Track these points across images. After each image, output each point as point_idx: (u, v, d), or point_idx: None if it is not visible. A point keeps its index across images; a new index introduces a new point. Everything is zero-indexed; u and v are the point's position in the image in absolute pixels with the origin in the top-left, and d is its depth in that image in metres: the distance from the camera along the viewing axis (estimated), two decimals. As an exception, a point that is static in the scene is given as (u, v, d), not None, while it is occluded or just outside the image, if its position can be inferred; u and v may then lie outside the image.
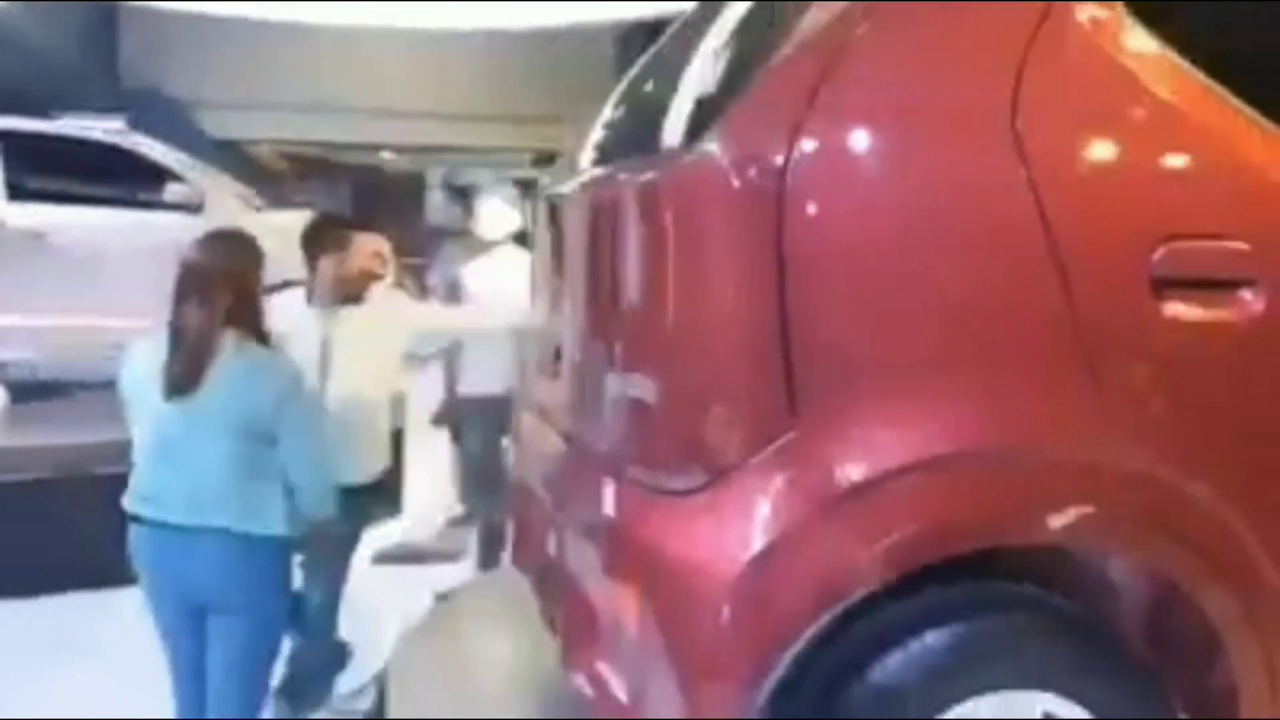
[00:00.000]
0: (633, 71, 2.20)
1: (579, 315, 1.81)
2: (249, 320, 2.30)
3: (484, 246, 4.35)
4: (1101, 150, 1.50)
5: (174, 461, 2.26)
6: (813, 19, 1.51)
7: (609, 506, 1.61)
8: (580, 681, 1.76)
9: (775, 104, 1.45)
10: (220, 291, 2.27)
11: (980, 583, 1.50)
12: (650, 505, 1.52)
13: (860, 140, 1.47)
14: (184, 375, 2.23)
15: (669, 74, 1.88)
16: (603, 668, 1.70)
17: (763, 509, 1.43)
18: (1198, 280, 1.48)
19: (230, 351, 2.25)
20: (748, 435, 1.45)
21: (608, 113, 2.13)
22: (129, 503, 2.33)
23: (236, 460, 2.23)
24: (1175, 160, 1.52)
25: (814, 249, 1.43)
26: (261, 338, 2.33)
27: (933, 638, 1.44)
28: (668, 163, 1.53)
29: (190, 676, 2.36)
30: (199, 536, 2.24)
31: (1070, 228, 1.45)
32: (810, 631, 1.40)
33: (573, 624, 1.80)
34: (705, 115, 1.54)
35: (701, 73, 1.66)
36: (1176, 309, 1.47)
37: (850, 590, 1.40)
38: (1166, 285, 1.47)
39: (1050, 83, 1.48)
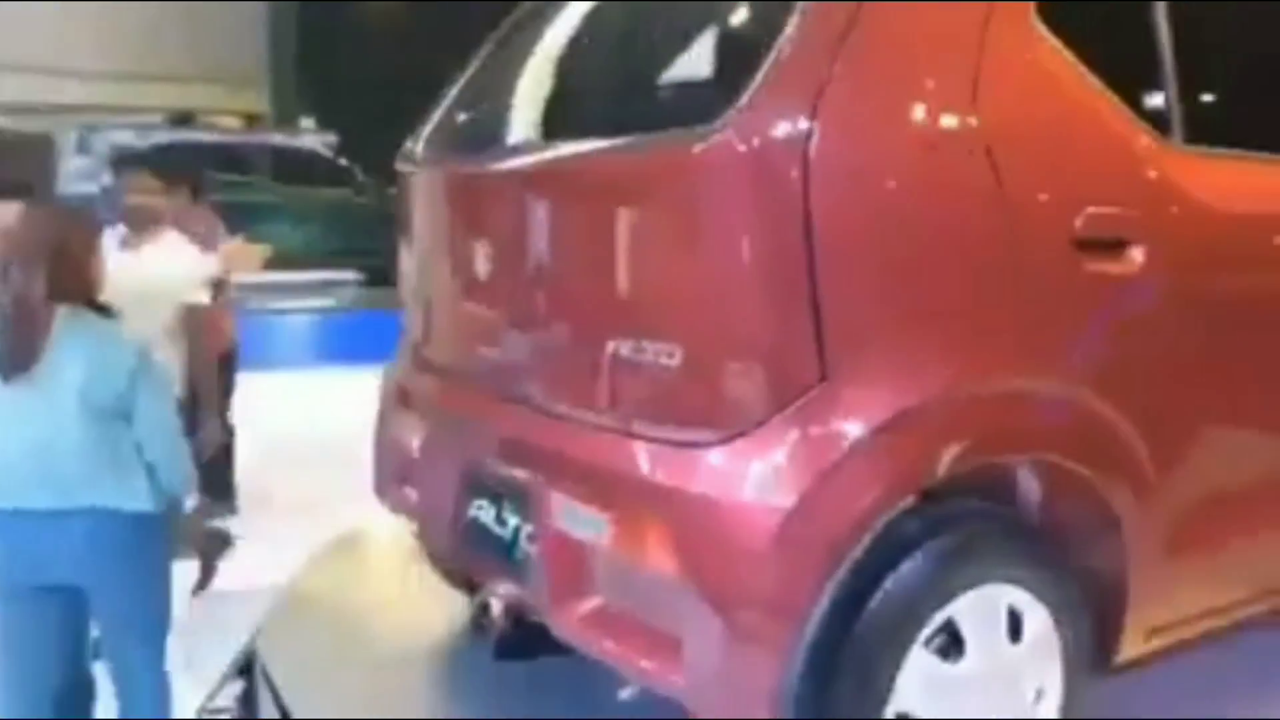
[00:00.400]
0: (537, 55, 2.27)
1: (579, 287, 1.87)
2: (78, 292, 2.19)
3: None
4: (1038, 137, 1.81)
5: (25, 445, 2.12)
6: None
7: (651, 463, 1.72)
8: (578, 628, 1.88)
9: (797, 83, 1.62)
10: (39, 263, 2.15)
11: (948, 502, 1.77)
12: (690, 456, 1.67)
13: (867, 117, 1.67)
14: (17, 353, 2.11)
15: (614, 56, 2.00)
16: (612, 613, 1.83)
17: (803, 451, 1.61)
18: (1104, 241, 1.83)
19: (64, 326, 2.13)
20: (786, 387, 1.63)
21: (534, 93, 2.19)
22: None
23: (95, 437, 2.13)
24: (1086, 142, 1.86)
25: (834, 219, 1.63)
26: (100, 309, 2.22)
27: (928, 549, 1.70)
28: (703, 140, 1.64)
29: (34, 671, 2.24)
30: (67, 519, 2.13)
31: (1021, 204, 1.75)
32: (853, 554, 1.62)
33: (562, 577, 1.90)
34: (720, 95, 1.68)
35: (696, 55, 1.80)
36: (1091, 265, 1.82)
37: (883, 513, 1.63)
38: (1083, 246, 1.81)
39: (998, 77, 1.76)
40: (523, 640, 2.54)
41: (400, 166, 2.51)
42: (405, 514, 2.64)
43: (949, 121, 1.72)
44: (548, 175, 1.99)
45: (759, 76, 1.64)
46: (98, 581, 2.19)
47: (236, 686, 3.02)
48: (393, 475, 2.61)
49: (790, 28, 1.67)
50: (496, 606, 2.58)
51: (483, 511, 2.23)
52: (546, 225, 1.96)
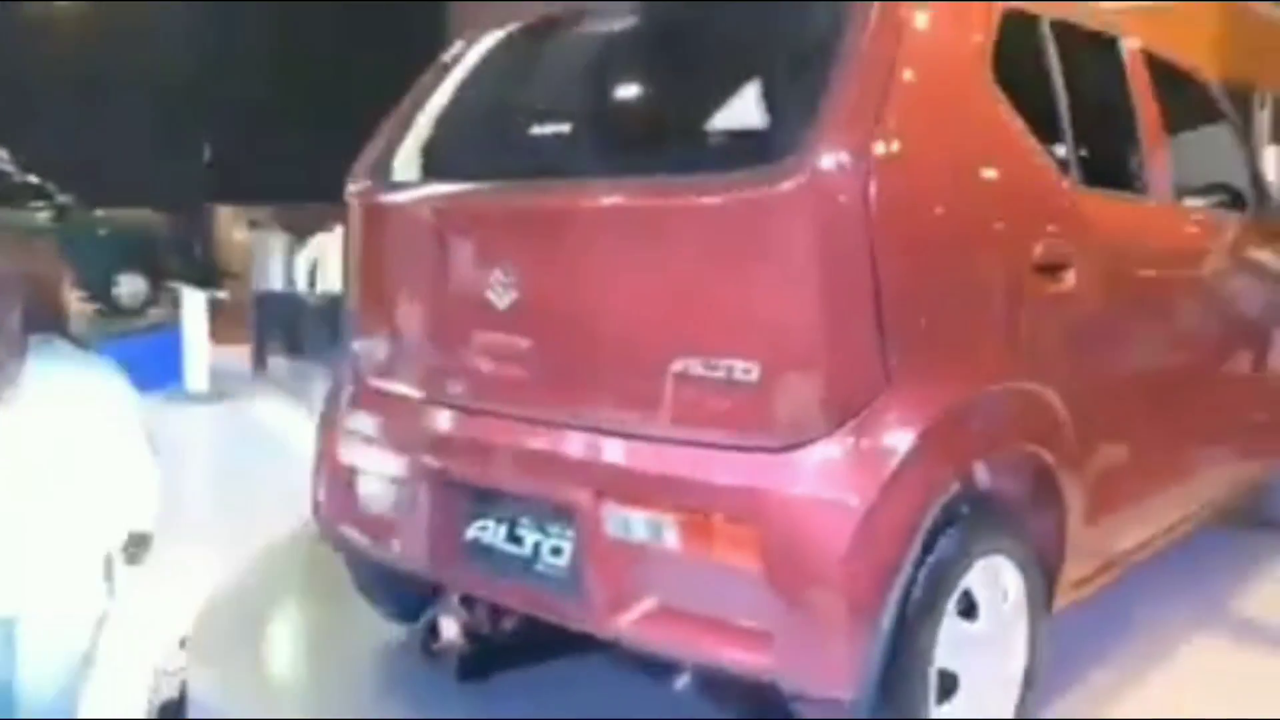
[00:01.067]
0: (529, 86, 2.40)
1: (641, 313, 2.01)
2: (51, 322, 2.17)
3: None
4: (1010, 179, 2.18)
5: None
6: (856, 37, 1.96)
7: (711, 468, 1.92)
8: (636, 628, 2.04)
9: (855, 128, 1.88)
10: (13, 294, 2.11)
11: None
12: (771, 461, 1.89)
13: (911, 162, 1.96)
14: None
15: (626, 87, 2.20)
16: (672, 610, 2.01)
17: (873, 454, 1.88)
18: (1052, 265, 2.23)
19: (38, 355, 2.10)
20: (836, 411, 1.88)
21: (537, 123, 2.32)
22: None
23: None
24: (1035, 185, 2.25)
25: (892, 252, 1.91)
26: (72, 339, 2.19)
27: (956, 531, 2.00)
28: (782, 181, 1.85)
29: None
30: None
31: (1009, 237, 2.12)
32: (917, 541, 1.90)
33: (613, 581, 2.05)
34: (777, 133, 1.92)
35: (743, 94, 2.02)
36: (1047, 285, 2.21)
37: (937, 504, 1.92)
38: (1039, 270, 2.20)
39: (982, 130, 2.12)
40: (482, 659, 2.67)
41: (362, 193, 2.54)
42: (351, 546, 2.67)
43: (967, 166, 2.06)
44: (610, 208, 2.11)
45: (820, 123, 1.89)
46: None
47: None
48: (339, 510, 2.63)
49: (836, 73, 1.94)
50: (451, 630, 2.69)
51: (486, 532, 2.33)
52: (608, 255, 2.08)
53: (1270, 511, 3.76)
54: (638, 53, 2.39)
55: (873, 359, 1.89)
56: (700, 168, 2.04)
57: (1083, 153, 2.45)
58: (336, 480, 2.63)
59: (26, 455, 2.07)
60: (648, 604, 2.05)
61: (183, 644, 3.10)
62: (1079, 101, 2.45)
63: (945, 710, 2.01)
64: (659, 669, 2.21)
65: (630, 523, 2.02)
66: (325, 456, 2.64)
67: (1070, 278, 2.26)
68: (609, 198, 2.10)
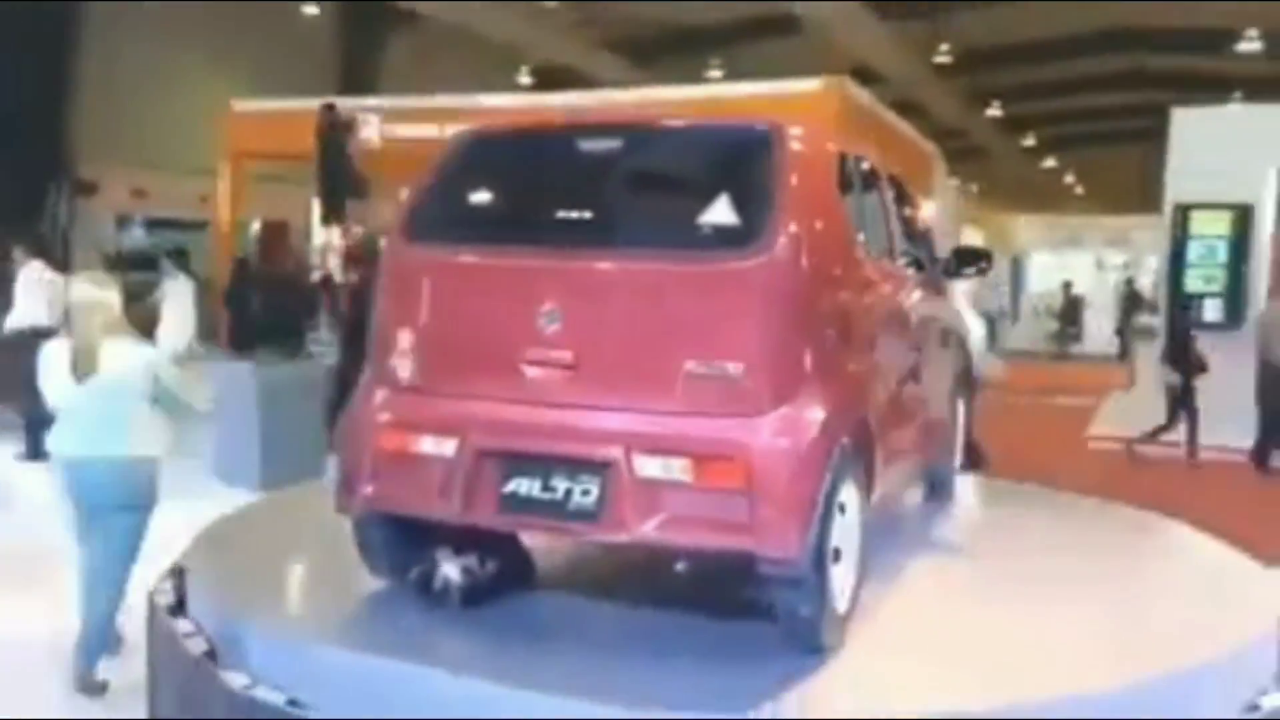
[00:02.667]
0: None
1: (663, 331, 3.21)
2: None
3: None
4: (844, 248, 3.61)
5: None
6: (780, 158, 3.30)
7: (712, 429, 3.16)
8: (655, 533, 3.21)
9: (790, 222, 3.21)
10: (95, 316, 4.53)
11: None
12: (748, 424, 3.14)
13: (815, 243, 3.31)
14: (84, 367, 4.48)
15: (626, 182, 3.48)
16: (677, 519, 3.19)
17: (803, 421, 3.20)
18: (863, 305, 3.69)
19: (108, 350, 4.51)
20: (784, 394, 3.18)
21: (563, 201, 3.54)
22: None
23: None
24: (853, 253, 3.70)
25: (811, 301, 3.25)
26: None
27: (840, 464, 3.34)
28: (755, 258, 3.15)
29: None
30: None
31: (852, 284, 3.54)
32: (830, 463, 3.22)
33: (638, 506, 3.20)
34: (739, 224, 3.22)
35: (704, 190, 3.31)
36: (864, 315, 3.66)
37: (837, 445, 3.26)
38: (861, 307, 3.64)
39: (837, 213, 3.54)
40: (476, 590, 3.71)
41: (403, 243, 3.61)
42: (372, 508, 3.62)
43: (831, 240, 3.46)
44: (638, 269, 3.31)
45: (770, 219, 3.21)
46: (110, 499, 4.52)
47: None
48: (363, 476, 3.57)
49: (767, 185, 3.27)
50: (454, 571, 3.71)
51: (522, 486, 3.40)
52: (637, 301, 3.27)
53: (939, 480, 5.48)
54: (628, 164, 3.60)
55: (803, 364, 3.23)
56: (686, 246, 3.30)
57: (864, 232, 3.94)
58: (364, 455, 3.56)
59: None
60: (662, 516, 3.23)
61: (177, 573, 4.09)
62: (858, 202, 3.95)
63: (836, 569, 3.36)
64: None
65: (655, 465, 3.20)
66: (367, 442, 3.57)
67: (871, 312, 3.74)
68: (637, 263, 3.31)
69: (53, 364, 4.56)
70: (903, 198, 4.75)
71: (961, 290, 7.90)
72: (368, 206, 15.94)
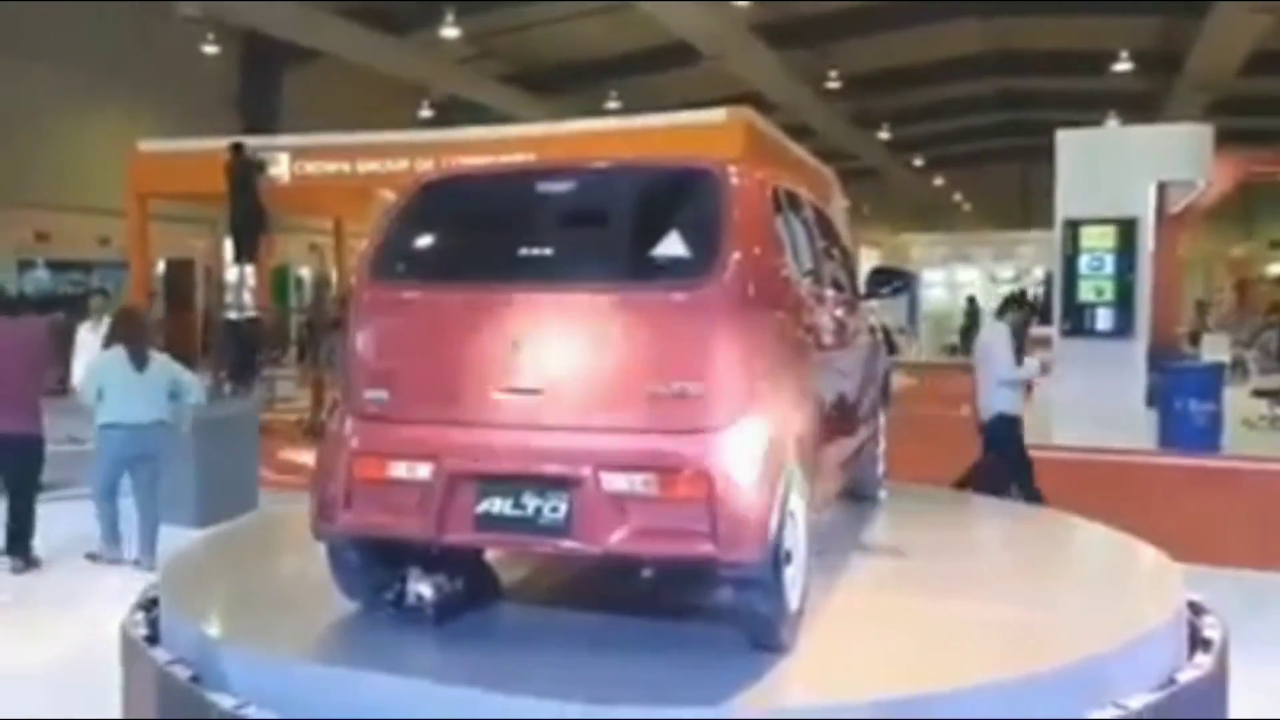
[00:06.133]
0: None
1: (629, 358, 3.47)
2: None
3: None
4: (786, 278, 3.94)
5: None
6: (723, 193, 3.62)
7: (675, 445, 3.43)
8: (621, 544, 3.46)
9: (736, 253, 3.51)
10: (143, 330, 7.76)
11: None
12: (705, 439, 3.41)
13: (758, 272, 3.63)
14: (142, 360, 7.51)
15: (584, 219, 3.74)
16: (641, 530, 3.45)
17: (758, 433, 3.49)
18: (806, 327, 4.02)
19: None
20: (738, 410, 3.47)
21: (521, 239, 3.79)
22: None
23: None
24: (790, 279, 4.03)
25: (758, 324, 3.56)
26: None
27: (791, 474, 3.65)
28: (705, 288, 3.44)
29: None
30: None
31: (791, 308, 3.87)
32: (784, 476, 3.52)
33: (605, 519, 3.45)
34: (689, 256, 3.51)
35: (654, 226, 3.61)
36: (804, 339, 3.99)
37: (788, 456, 3.56)
38: (802, 330, 3.97)
39: (778, 243, 3.87)
40: (448, 606, 3.93)
41: (373, 283, 3.83)
42: (351, 533, 3.82)
43: (771, 269, 3.78)
44: (600, 300, 3.56)
45: (717, 249, 3.51)
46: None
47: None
48: (339, 503, 3.77)
49: (713, 220, 3.58)
50: (426, 589, 3.92)
51: (495, 505, 3.63)
52: (602, 328, 3.52)
53: (863, 487, 5.86)
54: (583, 202, 3.88)
55: (754, 381, 3.53)
56: (641, 278, 3.59)
57: (795, 258, 4.27)
58: (338, 479, 3.76)
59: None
60: (628, 528, 3.49)
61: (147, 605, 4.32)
62: (789, 230, 4.29)
63: (788, 570, 3.66)
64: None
65: (621, 480, 3.46)
66: (343, 470, 3.77)
67: (808, 332, 4.07)
68: (598, 295, 3.59)
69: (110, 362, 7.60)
70: (822, 222, 5.10)
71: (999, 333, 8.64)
72: (273, 242, 15.97)
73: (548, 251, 3.83)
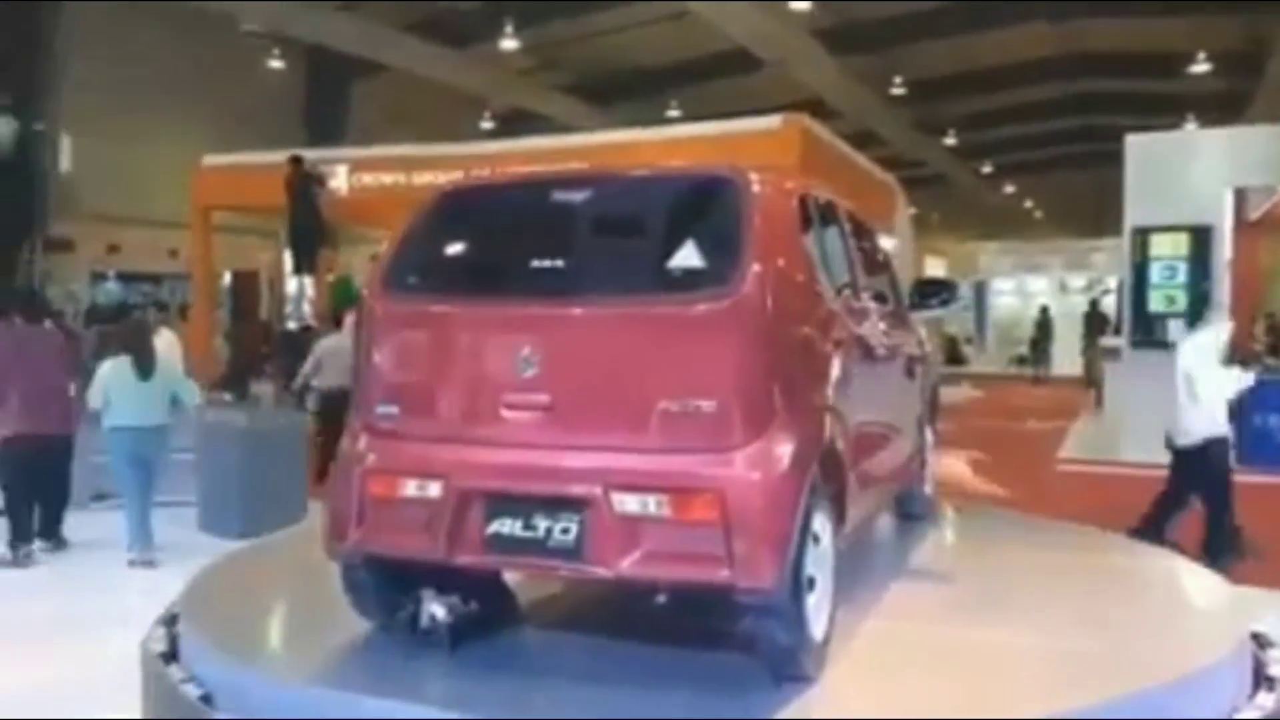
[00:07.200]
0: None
1: (639, 373, 3.32)
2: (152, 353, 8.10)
3: None
4: (811, 288, 3.76)
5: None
6: (743, 202, 3.45)
7: (689, 465, 3.27)
8: (634, 568, 3.31)
9: (757, 266, 3.35)
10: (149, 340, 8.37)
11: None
12: (721, 458, 3.26)
13: (780, 284, 3.45)
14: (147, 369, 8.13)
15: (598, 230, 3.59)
16: (654, 554, 3.30)
17: (776, 454, 3.32)
18: (834, 340, 3.83)
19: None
20: (756, 428, 3.31)
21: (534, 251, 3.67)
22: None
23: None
24: (818, 290, 3.85)
25: (779, 339, 3.39)
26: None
27: (815, 496, 3.47)
28: (725, 299, 3.28)
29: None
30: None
31: (817, 321, 3.69)
32: (803, 494, 3.35)
33: (617, 541, 3.30)
34: (707, 267, 3.35)
35: (671, 236, 3.46)
36: (832, 351, 3.81)
37: (808, 476, 3.39)
38: (830, 343, 3.79)
39: (801, 256, 3.69)
40: (462, 629, 3.81)
41: (385, 295, 3.72)
42: (361, 552, 3.71)
43: (795, 280, 3.60)
44: (615, 314, 3.42)
45: (736, 260, 3.34)
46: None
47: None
48: (351, 520, 3.67)
49: (732, 230, 3.41)
50: (440, 612, 3.80)
51: (505, 526, 3.50)
52: (615, 342, 3.38)
53: (908, 507, 5.64)
54: (599, 212, 3.75)
55: (773, 399, 3.36)
56: (657, 290, 3.43)
57: (826, 270, 4.09)
58: (350, 499, 3.66)
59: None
60: (640, 551, 3.34)
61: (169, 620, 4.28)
62: (819, 240, 4.11)
63: (811, 597, 3.47)
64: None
65: (633, 502, 3.31)
66: (354, 487, 3.67)
67: (836, 347, 3.88)
68: (611, 309, 3.44)
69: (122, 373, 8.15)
70: (861, 232, 4.91)
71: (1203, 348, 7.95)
72: (336, 254, 16.10)
73: (560, 262, 3.70)
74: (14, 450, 8.18)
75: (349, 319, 12.33)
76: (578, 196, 3.78)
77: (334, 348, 10.81)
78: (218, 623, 4.20)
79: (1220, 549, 7.40)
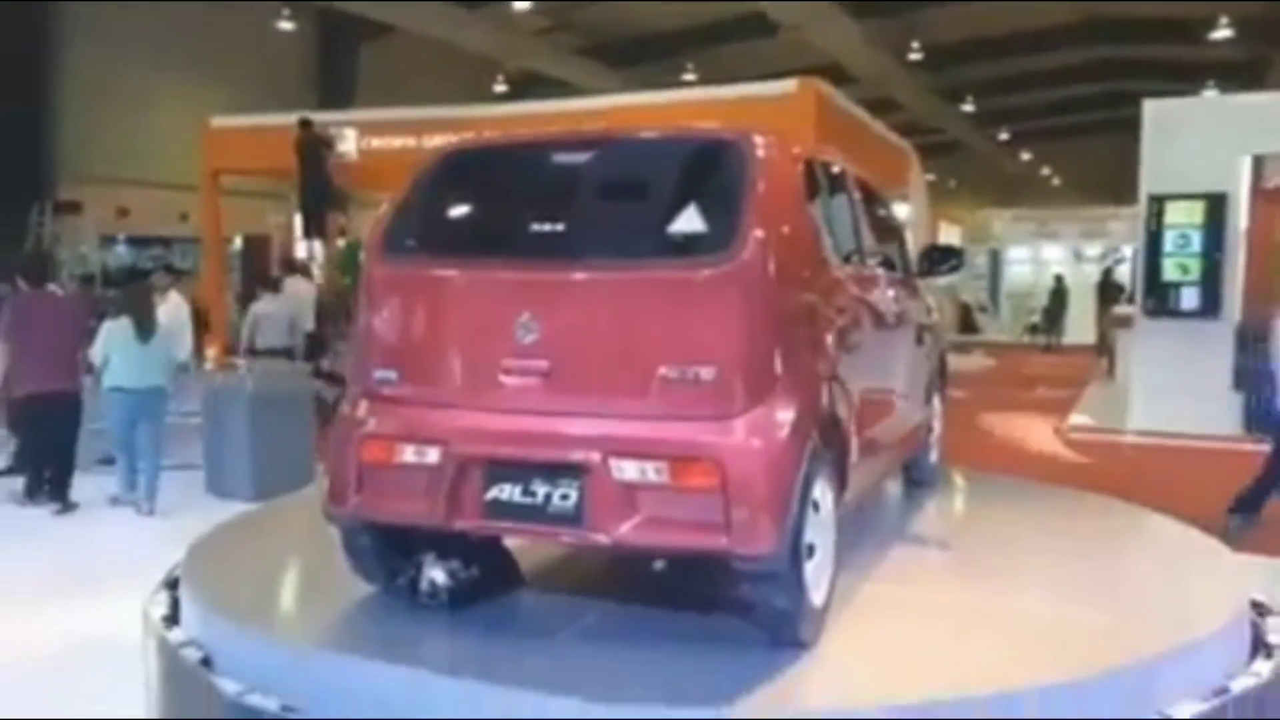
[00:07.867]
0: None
1: (641, 338, 3.28)
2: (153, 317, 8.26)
3: None
4: (816, 253, 3.71)
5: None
6: (747, 165, 3.40)
7: (687, 432, 3.25)
8: (632, 534, 3.29)
9: (758, 230, 3.30)
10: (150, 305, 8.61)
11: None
12: (720, 426, 3.23)
13: (783, 248, 3.41)
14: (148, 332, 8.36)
15: (602, 192, 3.57)
16: (652, 520, 3.28)
17: (776, 421, 3.29)
18: (836, 306, 3.79)
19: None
20: (756, 395, 3.27)
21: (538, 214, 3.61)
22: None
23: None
24: (822, 255, 3.80)
25: (780, 306, 3.35)
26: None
27: (814, 462, 3.44)
28: (726, 264, 3.23)
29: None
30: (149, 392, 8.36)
31: (820, 292, 3.64)
32: (803, 461, 3.32)
33: (615, 508, 3.29)
34: (708, 232, 3.31)
35: (673, 200, 3.42)
36: (834, 317, 3.76)
37: (808, 443, 3.36)
38: (832, 309, 3.74)
39: (807, 221, 3.64)
40: (463, 593, 3.80)
41: (385, 257, 3.69)
42: (359, 517, 3.71)
43: (799, 245, 3.55)
44: (614, 278, 3.37)
45: (737, 225, 3.29)
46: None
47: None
48: (350, 486, 3.66)
49: (734, 193, 3.36)
50: (440, 576, 3.80)
51: (504, 492, 3.48)
52: (614, 307, 3.33)
53: (917, 474, 5.61)
54: (600, 175, 3.70)
55: (774, 366, 3.32)
56: (658, 255, 3.39)
57: (832, 236, 4.04)
58: (349, 463, 3.64)
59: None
60: (640, 518, 3.32)
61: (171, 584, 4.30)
62: (825, 206, 4.06)
63: (811, 564, 3.46)
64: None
65: (632, 468, 3.29)
66: (352, 453, 3.66)
67: (840, 313, 3.84)
68: (609, 272, 3.40)
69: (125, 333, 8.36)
70: (871, 198, 4.85)
71: None
72: (348, 218, 16.07)
73: (560, 225, 3.64)
74: (29, 410, 8.49)
75: (288, 281, 12.49)
76: (579, 158, 3.73)
77: (265, 311, 11.36)
78: (219, 586, 4.20)
79: (1249, 505, 7.56)
